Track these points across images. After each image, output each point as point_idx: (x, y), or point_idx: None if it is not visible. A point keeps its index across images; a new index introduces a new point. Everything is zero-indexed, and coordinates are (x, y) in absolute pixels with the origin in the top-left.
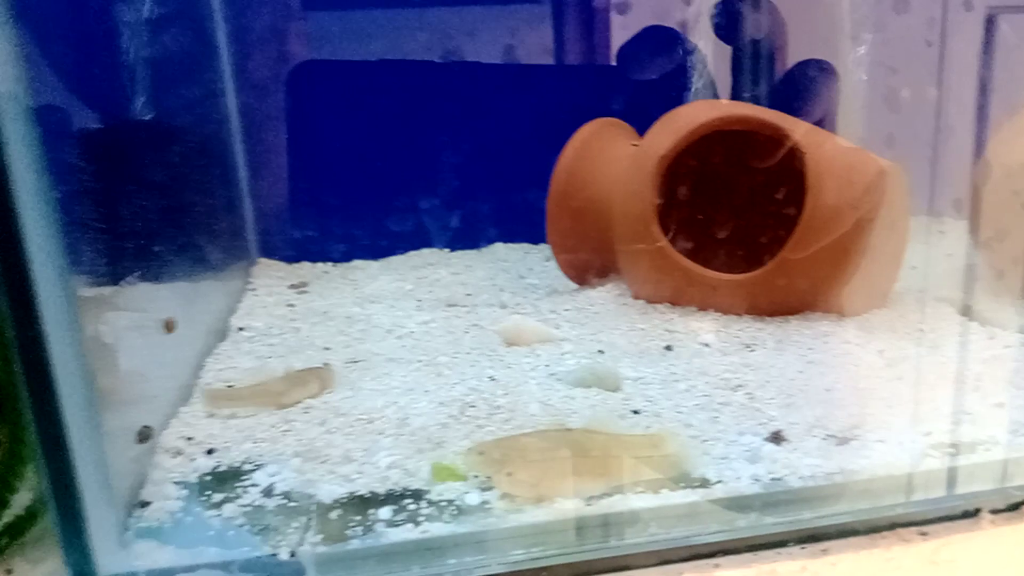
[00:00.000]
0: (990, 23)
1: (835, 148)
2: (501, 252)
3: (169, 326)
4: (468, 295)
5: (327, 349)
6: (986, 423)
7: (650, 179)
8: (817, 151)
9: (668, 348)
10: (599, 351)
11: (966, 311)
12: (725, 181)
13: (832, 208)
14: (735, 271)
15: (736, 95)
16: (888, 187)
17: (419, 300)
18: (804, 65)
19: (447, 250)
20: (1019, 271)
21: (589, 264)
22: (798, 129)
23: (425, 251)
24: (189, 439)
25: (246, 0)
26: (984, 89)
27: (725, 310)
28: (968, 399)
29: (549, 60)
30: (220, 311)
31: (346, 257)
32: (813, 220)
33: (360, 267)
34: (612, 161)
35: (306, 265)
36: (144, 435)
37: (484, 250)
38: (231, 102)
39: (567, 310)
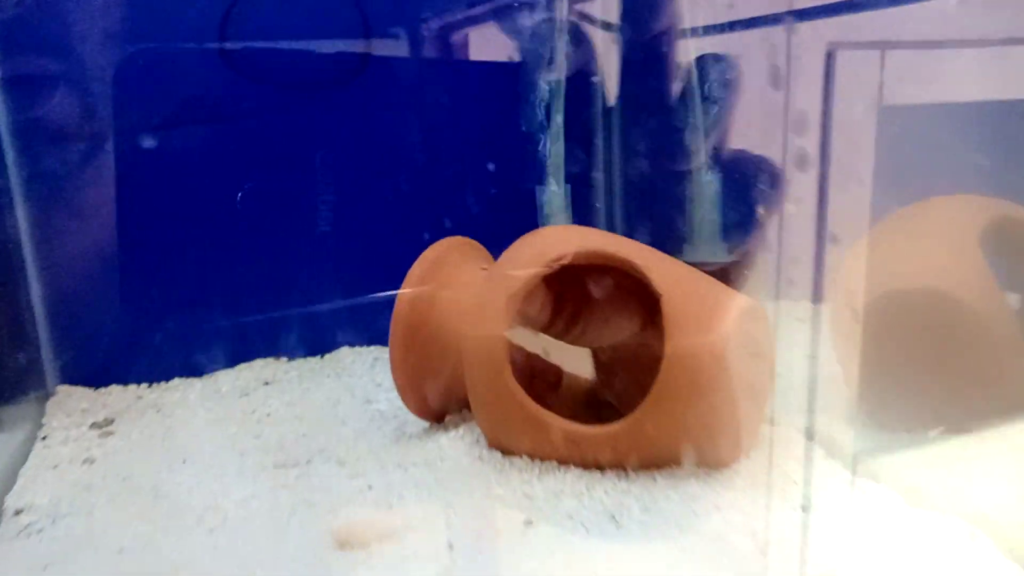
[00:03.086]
0: (829, 59)
1: (693, 287)
2: (347, 359)
3: None
4: (303, 436)
5: (120, 553)
6: None
7: (500, 319)
8: (674, 291)
9: (528, 523)
10: (449, 545)
11: (834, 449)
12: (586, 315)
13: (691, 356)
14: (601, 417)
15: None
16: (750, 327)
17: (243, 453)
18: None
19: (285, 359)
20: (878, 397)
21: (442, 404)
22: (657, 266)
23: (258, 362)
24: None
25: (33, 85)
26: (825, 139)
27: (588, 465)
28: None
29: (397, 138)
30: None
31: (164, 375)
32: (672, 370)
33: (180, 389)
34: (461, 289)
35: (116, 390)
36: None
37: (328, 357)
38: (15, 199)
39: (415, 465)
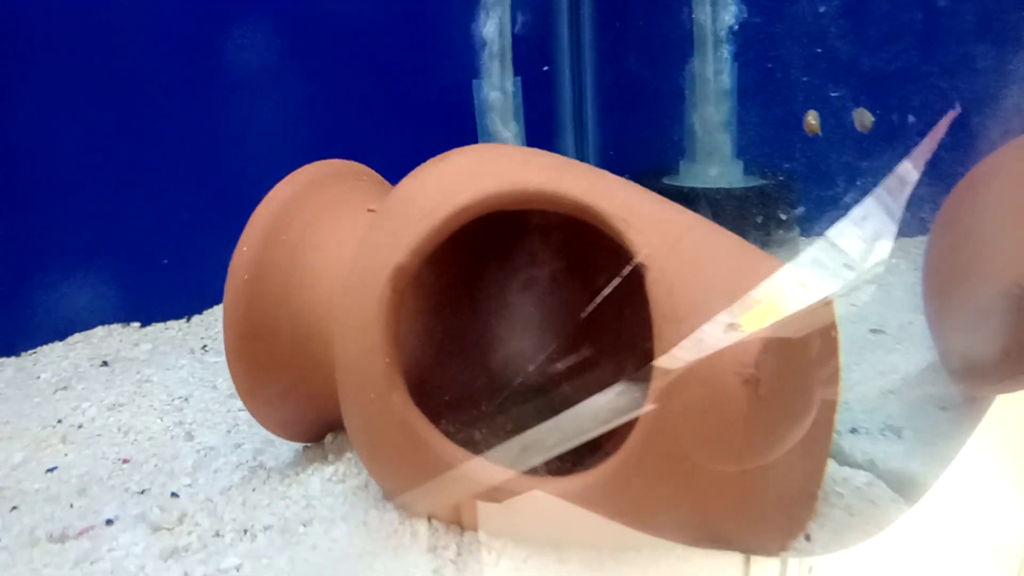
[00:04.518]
0: None
1: (706, 256)
2: (221, 324)
3: None
4: (120, 467)
5: None
6: None
7: (382, 306)
8: (670, 262)
9: None
10: None
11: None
12: (526, 292)
13: (704, 371)
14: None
15: None
16: (807, 329)
17: (15, 506)
18: None
19: (136, 325)
20: None
21: (316, 419)
22: (642, 217)
23: (100, 331)
24: None
25: None
26: None
27: (537, 538)
28: None
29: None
30: None
31: None
32: (671, 392)
33: None
34: (334, 246)
35: None
36: None
37: (196, 320)
38: None
39: (267, 532)
